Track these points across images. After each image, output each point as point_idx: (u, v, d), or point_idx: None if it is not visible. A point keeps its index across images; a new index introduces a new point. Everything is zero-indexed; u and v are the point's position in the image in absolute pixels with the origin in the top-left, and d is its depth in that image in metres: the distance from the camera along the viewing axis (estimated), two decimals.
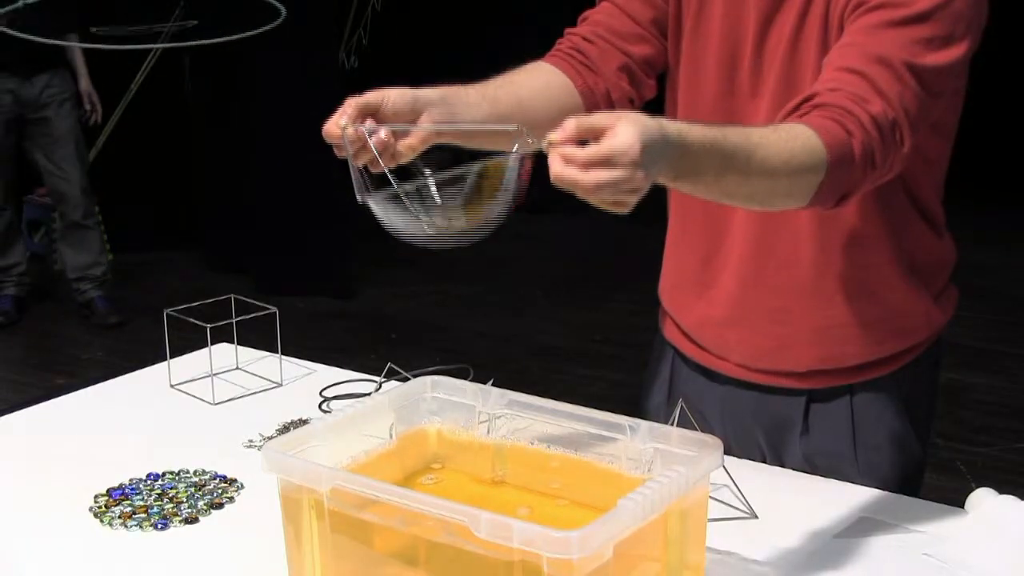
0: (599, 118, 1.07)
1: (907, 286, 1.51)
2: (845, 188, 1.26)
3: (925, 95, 1.28)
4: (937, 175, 1.51)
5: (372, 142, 1.25)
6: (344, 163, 1.27)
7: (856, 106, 1.24)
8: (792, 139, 1.21)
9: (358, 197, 1.22)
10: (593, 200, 1.08)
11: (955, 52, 1.30)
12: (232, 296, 1.96)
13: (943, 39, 1.29)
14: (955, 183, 1.69)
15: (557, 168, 1.06)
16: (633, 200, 1.09)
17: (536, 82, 1.47)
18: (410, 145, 1.29)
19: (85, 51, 5.14)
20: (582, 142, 1.06)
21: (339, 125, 1.26)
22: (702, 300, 1.58)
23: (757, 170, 1.18)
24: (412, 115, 1.30)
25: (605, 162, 1.05)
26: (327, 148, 1.29)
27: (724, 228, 1.53)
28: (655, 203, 1.65)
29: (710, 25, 1.47)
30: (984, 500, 1.40)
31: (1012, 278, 5.85)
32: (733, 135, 1.18)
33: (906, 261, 1.49)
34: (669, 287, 1.66)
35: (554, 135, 1.07)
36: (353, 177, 1.23)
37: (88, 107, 5.21)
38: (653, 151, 1.07)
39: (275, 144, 5.54)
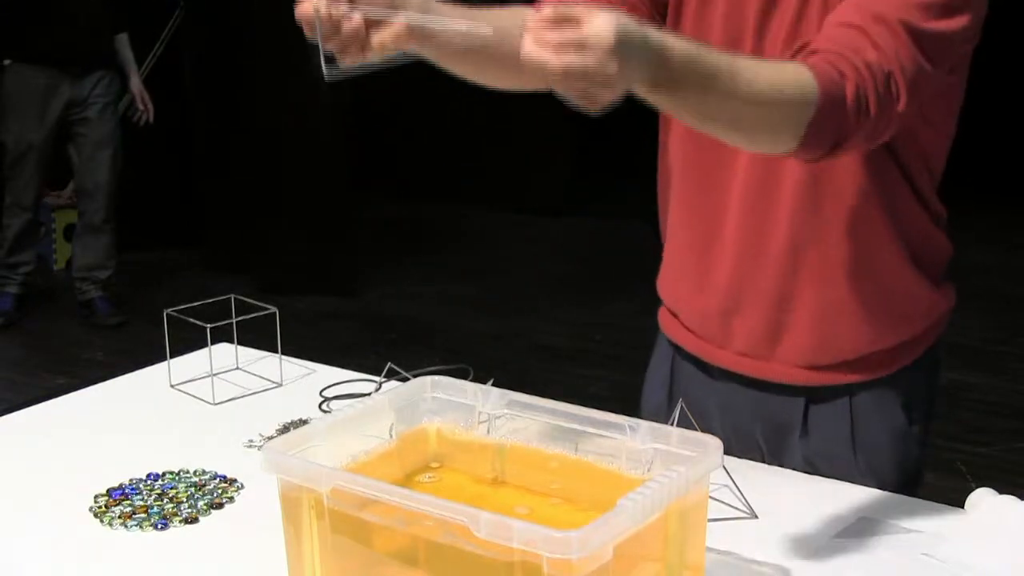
0: (578, 8, 1.06)
1: (907, 270, 1.50)
2: (837, 132, 1.24)
3: (922, 58, 1.28)
4: (935, 171, 1.50)
5: (344, 28, 1.22)
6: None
7: (851, 52, 1.24)
8: (782, 70, 1.21)
9: (325, 76, 1.21)
10: (564, 89, 1.06)
11: (954, 23, 1.30)
12: (232, 296, 1.96)
13: (941, 7, 1.29)
14: (955, 183, 1.69)
15: (528, 47, 1.05)
16: (605, 97, 1.07)
17: (517, 17, 1.42)
18: (382, 42, 1.24)
19: (135, 52, 5.20)
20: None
21: (313, 4, 1.22)
22: (700, 290, 1.57)
23: (743, 93, 1.17)
24: (389, 4, 1.25)
25: (578, 46, 1.03)
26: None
27: (720, 214, 1.52)
28: (654, 201, 1.66)
29: (713, 12, 1.47)
30: (984, 500, 1.40)
31: (1012, 278, 5.85)
32: (719, 53, 1.17)
33: (906, 245, 1.49)
34: (668, 281, 1.66)
35: (530, 17, 1.06)
36: (322, 58, 1.22)
37: (141, 106, 5.25)
38: (629, 45, 1.05)
39: (275, 144, 5.54)
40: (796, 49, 1.29)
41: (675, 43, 1.13)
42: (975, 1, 1.33)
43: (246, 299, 1.95)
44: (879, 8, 1.27)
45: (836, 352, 1.52)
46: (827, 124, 1.22)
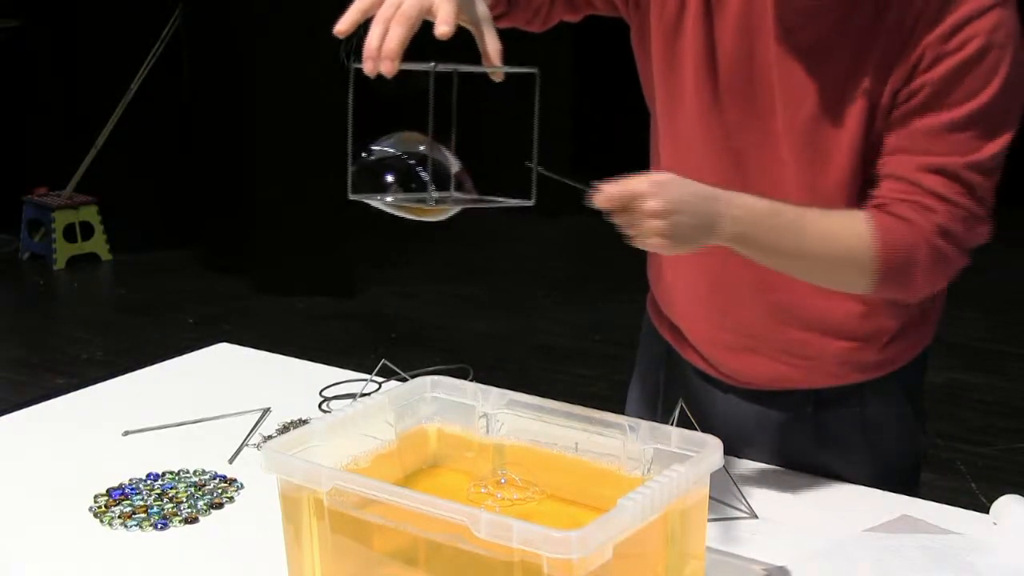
0: (637, 186, 1.25)
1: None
2: (907, 289, 1.38)
3: (988, 185, 1.41)
4: None
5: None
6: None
7: (920, 217, 1.34)
8: (847, 230, 1.33)
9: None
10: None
11: (1001, 143, 1.38)
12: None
13: (986, 137, 1.37)
14: None
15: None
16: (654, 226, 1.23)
17: None
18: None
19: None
20: None
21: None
22: (716, 326, 1.55)
23: (808, 248, 1.32)
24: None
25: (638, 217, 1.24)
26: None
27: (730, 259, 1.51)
28: None
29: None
30: (1010, 506, 1.38)
31: (1011, 278, 5.84)
32: (788, 207, 1.32)
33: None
34: (678, 301, 1.61)
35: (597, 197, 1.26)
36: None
37: None
38: (685, 215, 1.23)
39: (275, 144, 5.54)
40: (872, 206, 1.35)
41: (739, 202, 1.28)
42: (1013, 120, 1.38)
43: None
44: (936, 161, 1.35)
45: (848, 374, 1.52)
46: (891, 286, 1.36)
